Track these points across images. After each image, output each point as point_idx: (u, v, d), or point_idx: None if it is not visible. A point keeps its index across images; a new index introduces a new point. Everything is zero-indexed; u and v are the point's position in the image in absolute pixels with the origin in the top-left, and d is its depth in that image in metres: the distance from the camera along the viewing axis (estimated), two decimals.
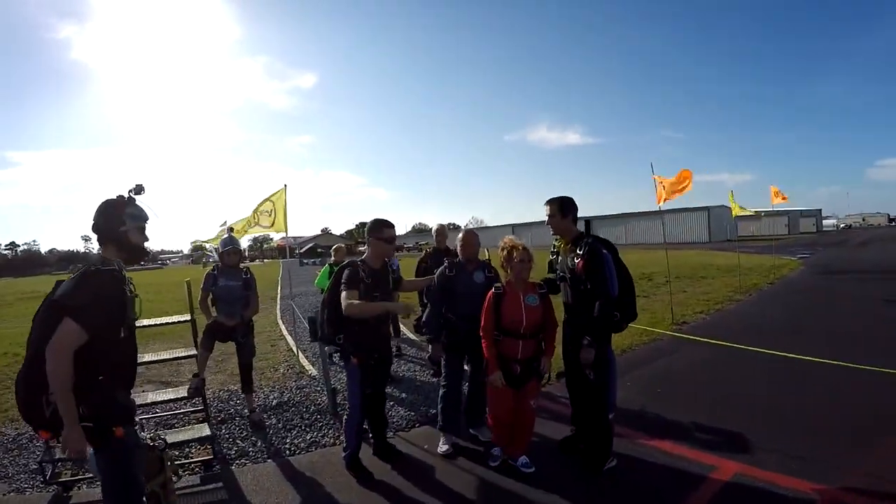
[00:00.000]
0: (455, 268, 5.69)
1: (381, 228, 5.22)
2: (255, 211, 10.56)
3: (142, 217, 3.50)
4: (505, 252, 5.08)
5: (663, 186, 12.41)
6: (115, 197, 3.46)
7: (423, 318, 5.88)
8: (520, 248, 5.02)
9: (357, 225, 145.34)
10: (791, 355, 8.21)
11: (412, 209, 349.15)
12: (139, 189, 3.55)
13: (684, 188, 12.18)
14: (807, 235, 73.31)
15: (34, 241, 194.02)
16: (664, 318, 12.27)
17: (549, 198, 5.27)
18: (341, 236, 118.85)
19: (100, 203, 3.43)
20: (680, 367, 8.24)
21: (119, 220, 3.36)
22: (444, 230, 8.95)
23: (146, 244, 3.56)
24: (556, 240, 5.38)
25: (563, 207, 5.20)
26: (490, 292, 5.13)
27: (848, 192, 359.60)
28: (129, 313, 3.25)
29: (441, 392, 5.74)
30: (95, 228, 3.38)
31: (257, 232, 10.84)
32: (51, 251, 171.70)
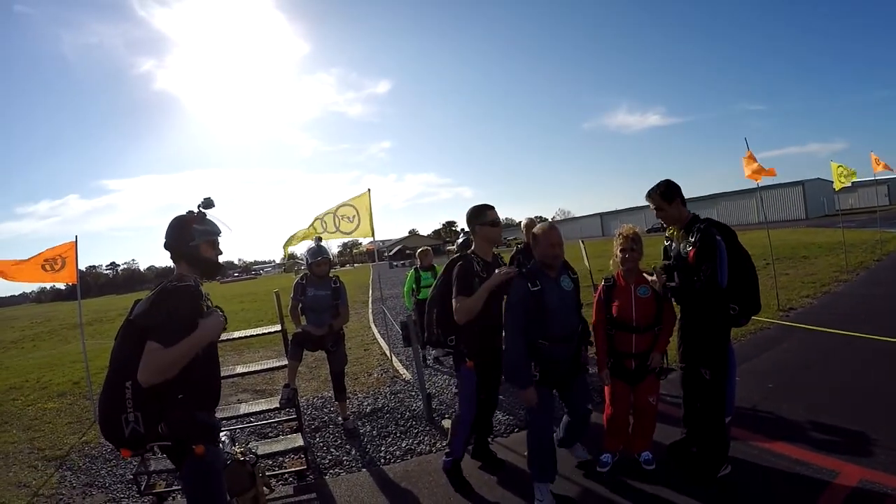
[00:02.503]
0: (538, 278, 4.45)
1: (483, 212, 4.74)
2: (334, 214, 10.46)
3: (212, 232, 3.47)
4: (620, 240, 4.80)
5: (754, 166, 11.95)
6: (184, 213, 3.44)
7: (505, 358, 4.52)
8: (625, 235, 4.75)
9: (444, 224, 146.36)
10: None
11: (498, 205, 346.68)
12: (208, 203, 3.50)
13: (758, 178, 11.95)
14: None
15: (133, 260, 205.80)
16: (769, 304, 11.14)
17: (647, 189, 4.81)
18: (428, 237, 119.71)
19: (171, 220, 3.42)
20: (791, 358, 7.58)
21: (189, 235, 3.34)
22: (535, 223, 8.59)
23: (219, 258, 3.54)
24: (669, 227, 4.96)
25: (665, 195, 4.73)
26: (600, 285, 4.94)
27: None
28: None
29: (530, 435, 4.67)
30: (167, 246, 3.38)
31: (339, 237, 10.72)
32: (149, 268, 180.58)
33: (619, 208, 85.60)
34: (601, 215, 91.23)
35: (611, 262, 4.96)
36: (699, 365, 4.60)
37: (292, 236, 10.44)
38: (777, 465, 4.67)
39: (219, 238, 3.52)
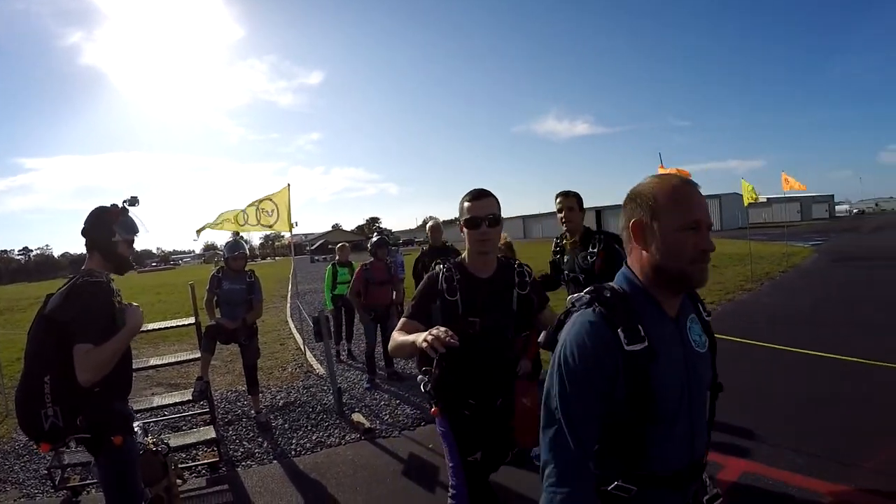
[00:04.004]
0: (641, 315, 2.19)
1: (461, 204, 3.10)
2: (256, 207, 10.45)
3: (133, 230, 3.47)
4: None
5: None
6: (108, 205, 3.43)
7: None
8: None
9: (367, 220, 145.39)
10: (804, 351, 8.12)
11: (424, 203, 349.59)
12: (134, 201, 3.52)
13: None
14: (819, 222, 72.66)
15: (47, 245, 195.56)
16: None
17: (563, 190, 4.87)
18: (352, 232, 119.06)
19: (92, 209, 3.40)
20: None
21: (110, 230, 3.33)
22: (440, 226, 8.85)
23: (131, 258, 3.53)
24: (559, 237, 5.09)
25: (581, 202, 4.88)
26: None
27: (860, 176, 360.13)
28: (118, 323, 3.19)
29: None
30: (85, 234, 3.35)
31: (259, 230, 10.68)
32: (64, 255, 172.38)
33: (541, 212, 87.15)
34: (524, 218, 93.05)
35: None
36: None
37: (209, 222, 10.39)
38: None
39: (135, 238, 3.51)
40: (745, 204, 19.22)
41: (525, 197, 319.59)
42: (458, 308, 3.04)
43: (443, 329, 2.46)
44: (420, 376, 3.38)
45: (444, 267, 3.20)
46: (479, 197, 3.04)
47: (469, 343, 2.86)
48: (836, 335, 9.05)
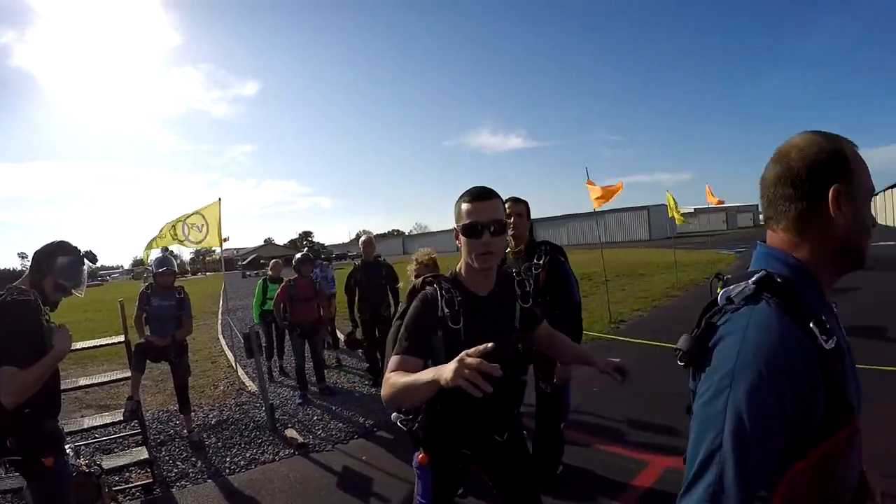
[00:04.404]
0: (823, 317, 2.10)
1: (458, 205, 2.53)
2: (184, 223, 10.26)
3: (68, 279, 3.43)
4: (415, 265, 4.64)
5: (597, 192, 13.22)
6: (72, 245, 3.48)
7: None
8: (419, 261, 4.63)
9: (300, 234, 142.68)
10: None
11: (357, 217, 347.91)
12: (92, 259, 3.58)
13: (609, 199, 13.29)
14: (745, 230, 75.69)
15: None
16: (602, 317, 12.65)
17: (512, 196, 4.68)
18: (284, 246, 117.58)
19: (57, 239, 3.45)
20: None
21: (50, 265, 3.33)
22: (372, 241, 9.01)
23: (56, 301, 3.48)
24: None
25: (528, 209, 4.75)
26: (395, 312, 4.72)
27: None
28: (48, 344, 3.18)
29: None
30: (34, 254, 3.37)
31: (188, 246, 10.40)
32: None
33: None
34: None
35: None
36: (541, 381, 4.76)
37: (152, 240, 10.20)
38: (594, 459, 5.35)
39: (68, 288, 3.46)
40: (670, 215, 20.13)
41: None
42: (461, 337, 2.46)
43: (473, 351, 1.93)
44: (397, 413, 2.82)
45: (439, 287, 2.56)
46: (482, 198, 2.46)
47: None
48: None
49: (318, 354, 8.62)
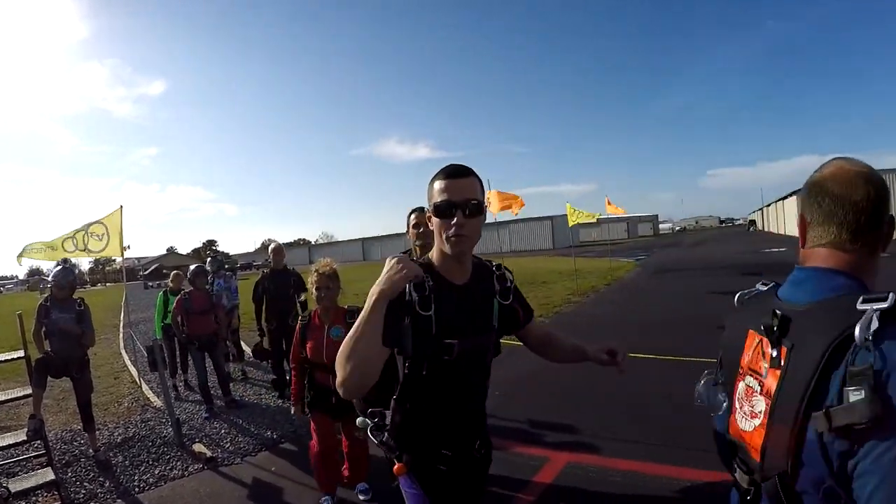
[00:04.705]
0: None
1: (430, 187, 2.31)
2: (85, 232, 10.00)
3: None
4: (315, 277, 4.73)
5: (489, 201, 14.02)
6: None
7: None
8: (319, 273, 4.71)
9: (204, 243, 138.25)
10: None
11: (263, 225, 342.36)
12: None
13: (510, 207, 13.86)
14: (644, 239, 79.83)
15: None
16: None
17: (420, 206, 4.73)
18: (188, 255, 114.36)
19: None
20: (518, 371, 8.47)
21: None
22: (282, 248, 9.09)
23: None
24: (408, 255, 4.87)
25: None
26: (297, 324, 4.94)
27: (682, 198, 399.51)
28: None
29: None
30: None
31: (87, 256, 10.16)
32: None
33: (380, 234, 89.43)
34: (363, 240, 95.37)
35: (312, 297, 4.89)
36: None
37: (29, 246, 9.86)
38: (496, 458, 5.46)
39: None
40: (570, 224, 21.17)
41: (364, 219, 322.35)
42: (431, 327, 2.25)
43: (394, 260, 2.06)
44: (363, 419, 2.49)
45: None
46: (456, 175, 2.27)
47: (444, 373, 2.34)
48: (650, 337, 10.36)
49: (221, 367, 8.62)
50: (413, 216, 4.72)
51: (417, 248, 4.73)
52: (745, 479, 1.54)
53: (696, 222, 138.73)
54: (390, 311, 2.10)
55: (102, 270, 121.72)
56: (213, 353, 8.50)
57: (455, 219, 2.17)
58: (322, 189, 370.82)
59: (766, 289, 1.71)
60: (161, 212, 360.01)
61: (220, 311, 9.11)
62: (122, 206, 10.00)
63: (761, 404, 1.47)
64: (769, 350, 1.47)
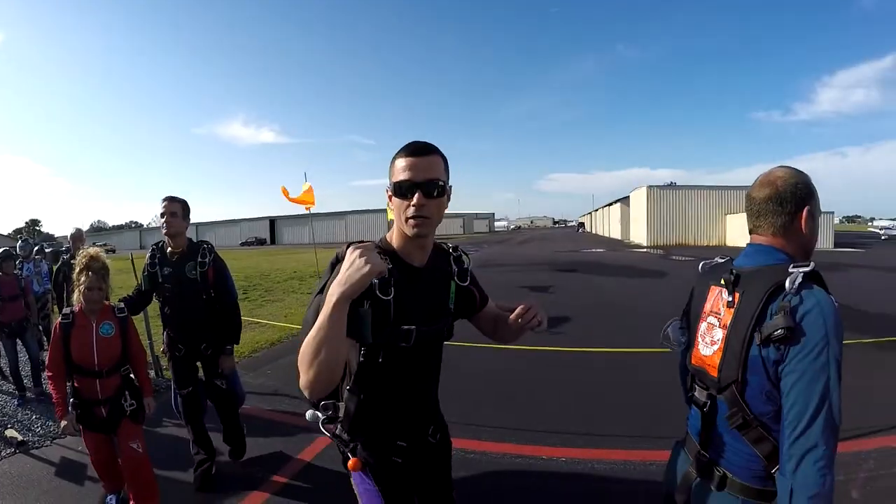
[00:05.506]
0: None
1: (394, 163, 2.24)
2: None
3: None
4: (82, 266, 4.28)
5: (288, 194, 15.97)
6: None
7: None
8: (89, 270, 4.25)
9: (27, 223, 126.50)
10: (465, 344, 9.77)
11: (97, 204, 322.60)
12: None
13: (306, 202, 15.03)
14: (479, 235, 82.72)
15: None
16: None
17: (169, 195, 4.80)
18: (9, 236, 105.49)
19: None
20: None
21: None
22: (83, 235, 9.08)
23: None
24: (157, 246, 5.00)
25: (187, 208, 4.83)
26: (57, 321, 4.35)
27: (519, 199, 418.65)
28: None
29: None
30: None
31: None
32: None
33: (216, 220, 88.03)
34: (197, 225, 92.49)
35: (75, 294, 4.38)
36: (214, 379, 5.18)
37: None
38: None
39: None
40: (388, 219, 22.18)
41: (201, 203, 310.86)
42: (390, 312, 2.17)
43: (356, 253, 1.90)
44: (313, 412, 2.39)
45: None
46: (419, 153, 2.17)
47: (400, 360, 2.28)
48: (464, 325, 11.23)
49: (33, 354, 8.67)
50: (162, 205, 4.73)
51: (169, 239, 4.88)
52: (704, 394, 2.16)
53: (532, 221, 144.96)
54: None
55: None
56: (24, 339, 8.52)
57: (415, 199, 2.12)
58: (162, 168, 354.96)
59: (723, 261, 2.35)
60: None
61: (30, 297, 8.94)
62: None
63: (720, 333, 2.09)
64: (726, 297, 2.11)
